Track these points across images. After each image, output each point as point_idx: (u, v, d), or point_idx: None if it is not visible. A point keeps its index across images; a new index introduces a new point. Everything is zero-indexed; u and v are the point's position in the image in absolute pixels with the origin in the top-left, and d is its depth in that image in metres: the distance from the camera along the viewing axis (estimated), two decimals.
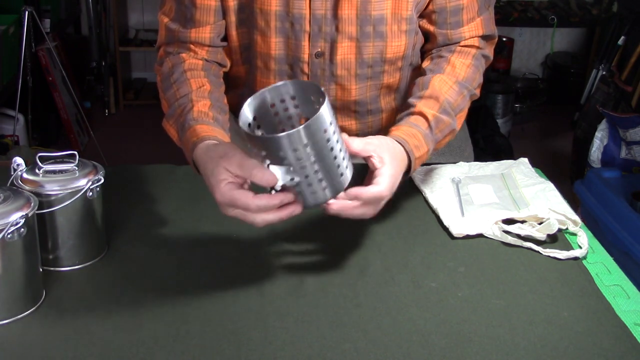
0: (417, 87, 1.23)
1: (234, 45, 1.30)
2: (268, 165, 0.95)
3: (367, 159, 1.04)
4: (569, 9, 4.41)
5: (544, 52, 4.81)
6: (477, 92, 1.28)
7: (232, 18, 1.26)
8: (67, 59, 3.88)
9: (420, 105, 1.18)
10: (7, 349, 0.91)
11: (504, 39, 4.46)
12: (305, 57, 1.25)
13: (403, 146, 1.10)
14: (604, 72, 3.57)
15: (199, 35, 1.25)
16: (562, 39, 4.79)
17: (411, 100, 1.21)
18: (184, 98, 1.18)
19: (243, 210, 0.97)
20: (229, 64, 1.33)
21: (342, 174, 0.98)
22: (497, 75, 4.40)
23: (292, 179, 0.96)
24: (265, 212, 0.96)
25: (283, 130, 0.96)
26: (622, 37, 3.45)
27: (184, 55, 1.25)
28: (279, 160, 0.93)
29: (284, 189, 0.97)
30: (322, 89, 0.97)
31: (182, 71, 1.22)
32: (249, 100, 0.99)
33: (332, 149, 0.94)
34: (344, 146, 0.99)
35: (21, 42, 3.11)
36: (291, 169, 0.95)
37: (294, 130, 0.91)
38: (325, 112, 0.93)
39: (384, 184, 1.02)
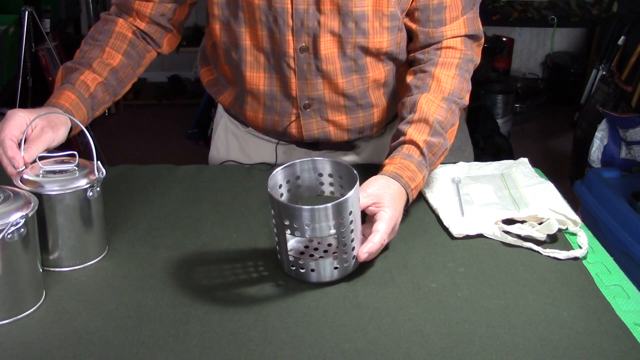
0: (405, 110, 1.24)
1: (216, 41, 1.33)
2: (285, 232, 1.02)
3: (365, 209, 1.09)
4: (569, 9, 4.41)
5: (544, 52, 4.81)
6: (466, 99, 1.29)
7: (215, 11, 1.28)
8: (67, 59, 3.87)
9: (411, 131, 1.20)
10: (7, 349, 0.91)
11: (504, 39, 4.45)
12: (291, 51, 1.27)
13: (398, 181, 1.14)
14: (604, 72, 3.57)
15: (141, 9, 1.32)
16: (562, 39, 4.79)
17: (401, 127, 1.22)
18: (87, 59, 1.27)
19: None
20: (167, 49, 1.39)
21: (353, 257, 1.05)
22: (497, 75, 4.39)
23: (303, 250, 1.11)
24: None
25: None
26: (622, 37, 3.45)
27: (121, 20, 1.32)
28: (298, 231, 1.00)
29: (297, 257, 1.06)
30: (355, 171, 1.04)
31: (107, 36, 1.30)
32: (282, 167, 1.07)
33: (352, 231, 1.02)
34: (359, 234, 1.05)
35: (21, 42, 3.11)
36: (305, 240, 1.11)
37: (320, 206, 0.98)
38: (355, 196, 1.01)
39: (382, 229, 1.07)
